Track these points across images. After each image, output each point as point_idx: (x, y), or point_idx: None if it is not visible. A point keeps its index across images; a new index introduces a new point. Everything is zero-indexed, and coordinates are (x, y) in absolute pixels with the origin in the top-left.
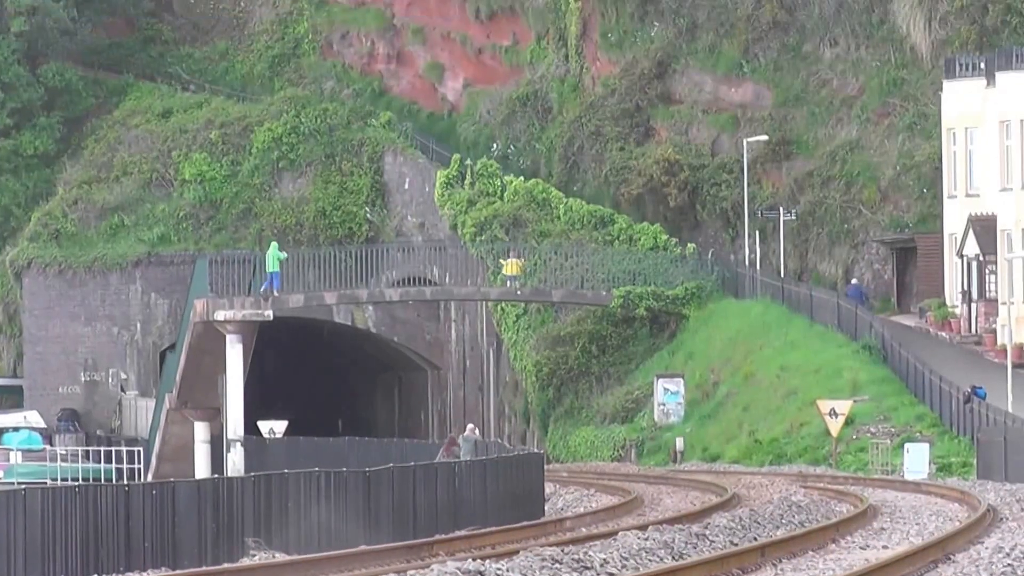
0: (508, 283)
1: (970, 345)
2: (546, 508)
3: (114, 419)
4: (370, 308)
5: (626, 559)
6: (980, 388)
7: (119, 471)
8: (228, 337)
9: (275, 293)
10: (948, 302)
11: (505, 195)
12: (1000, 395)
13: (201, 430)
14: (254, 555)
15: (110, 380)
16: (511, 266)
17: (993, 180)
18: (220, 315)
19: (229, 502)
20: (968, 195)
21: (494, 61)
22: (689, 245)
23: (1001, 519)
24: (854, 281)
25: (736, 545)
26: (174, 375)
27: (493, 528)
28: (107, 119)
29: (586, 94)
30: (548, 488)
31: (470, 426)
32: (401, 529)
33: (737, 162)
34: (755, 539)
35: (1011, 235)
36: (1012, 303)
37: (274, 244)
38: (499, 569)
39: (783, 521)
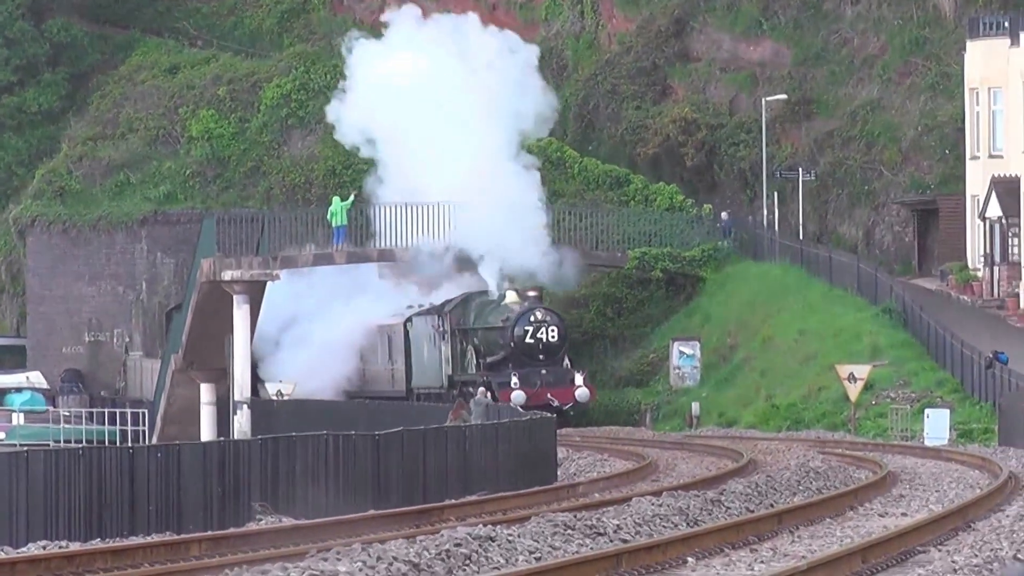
0: None
1: (992, 309)
2: (559, 473)
3: (119, 380)
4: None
5: (640, 525)
6: (1002, 353)
7: (123, 433)
8: (235, 297)
9: (339, 247)
10: (970, 265)
11: None
12: (1022, 360)
13: (207, 392)
14: (260, 520)
15: (115, 340)
16: None
17: (1017, 141)
18: (227, 275)
19: (235, 465)
20: (991, 156)
21: (508, 17)
22: (706, 206)
23: (1023, 486)
24: (724, 215)
25: (752, 512)
26: (180, 336)
27: (504, 493)
28: (113, 75)
29: (602, 51)
30: (561, 453)
31: (481, 389)
32: (411, 494)
33: (755, 122)
34: (772, 506)
35: None
36: None
37: (336, 198)
38: (511, 535)
39: (800, 488)
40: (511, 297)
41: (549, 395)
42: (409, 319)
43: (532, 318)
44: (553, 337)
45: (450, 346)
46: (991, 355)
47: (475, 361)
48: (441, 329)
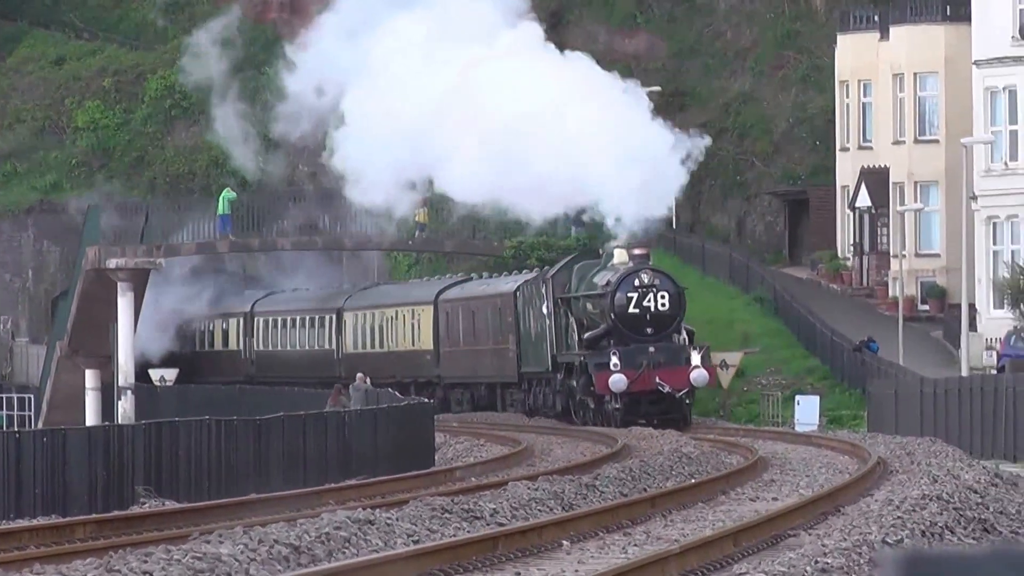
0: (419, 232)
1: (861, 297)
2: (436, 458)
3: (5, 366)
4: (263, 257)
5: (516, 509)
6: (873, 342)
7: (9, 418)
8: (119, 285)
9: (228, 236)
10: (840, 254)
11: None
12: (891, 348)
13: (91, 378)
14: (144, 503)
15: (1, 327)
16: (422, 215)
17: (886, 133)
18: (112, 263)
19: (120, 450)
20: (861, 147)
21: None
22: None
23: (891, 472)
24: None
25: (626, 496)
26: (65, 323)
27: (383, 477)
28: (0, 67)
29: None
30: (438, 438)
31: (360, 375)
32: (292, 478)
33: None
34: (645, 490)
35: (903, 188)
36: (904, 256)
37: (227, 188)
38: (389, 518)
39: (673, 472)
40: (619, 256)
41: (658, 379)
42: (519, 288)
43: (636, 282)
44: (663, 305)
45: (553, 319)
46: (861, 341)
47: (577, 337)
48: (545, 299)
